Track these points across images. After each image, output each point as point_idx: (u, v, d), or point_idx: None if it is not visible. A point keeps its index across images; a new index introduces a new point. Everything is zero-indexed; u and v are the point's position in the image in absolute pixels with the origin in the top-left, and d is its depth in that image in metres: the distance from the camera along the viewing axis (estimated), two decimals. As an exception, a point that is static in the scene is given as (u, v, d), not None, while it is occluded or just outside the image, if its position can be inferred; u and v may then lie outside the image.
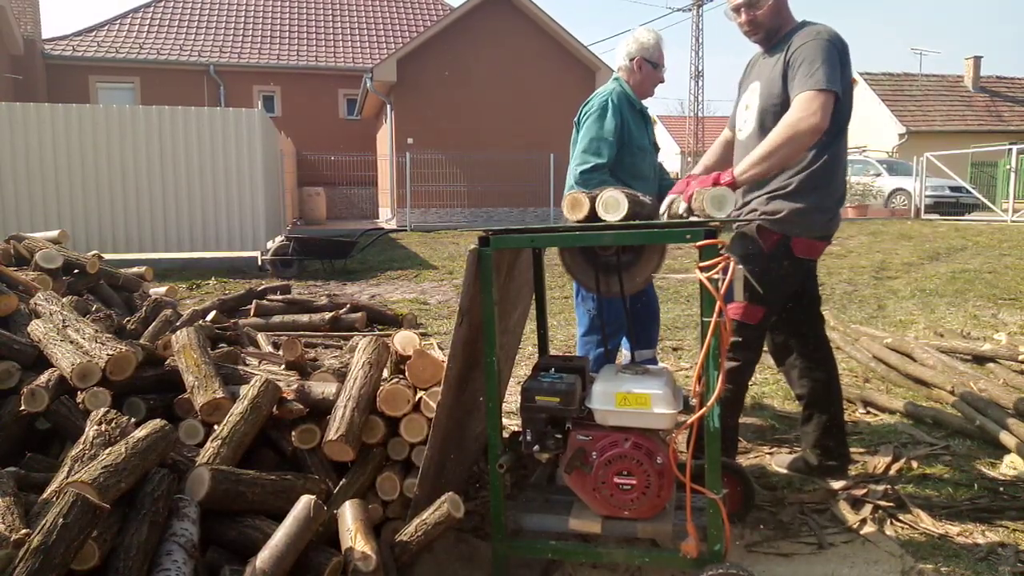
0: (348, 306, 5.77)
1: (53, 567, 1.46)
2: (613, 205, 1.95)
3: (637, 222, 1.96)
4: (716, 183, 2.29)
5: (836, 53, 2.39)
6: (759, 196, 2.55)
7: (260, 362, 2.96)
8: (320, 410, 2.32)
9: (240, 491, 1.94)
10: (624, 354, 3.50)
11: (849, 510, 2.58)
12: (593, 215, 2.00)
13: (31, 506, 1.75)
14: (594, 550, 2.08)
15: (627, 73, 3.31)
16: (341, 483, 2.21)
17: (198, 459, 2.07)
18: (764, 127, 2.49)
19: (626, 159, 3.18)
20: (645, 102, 3.37)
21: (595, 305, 3.19)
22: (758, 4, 2.48)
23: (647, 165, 3.30)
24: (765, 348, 2.81)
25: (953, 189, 17.98)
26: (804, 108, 2.32)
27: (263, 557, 1.69)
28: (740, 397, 2.71)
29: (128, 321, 3.46)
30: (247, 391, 2.25)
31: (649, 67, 3.29)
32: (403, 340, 2.54)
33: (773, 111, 2.48)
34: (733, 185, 2.32)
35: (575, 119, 3.34)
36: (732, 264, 1.80)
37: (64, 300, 3.04)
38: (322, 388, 2.39)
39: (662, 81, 3.35)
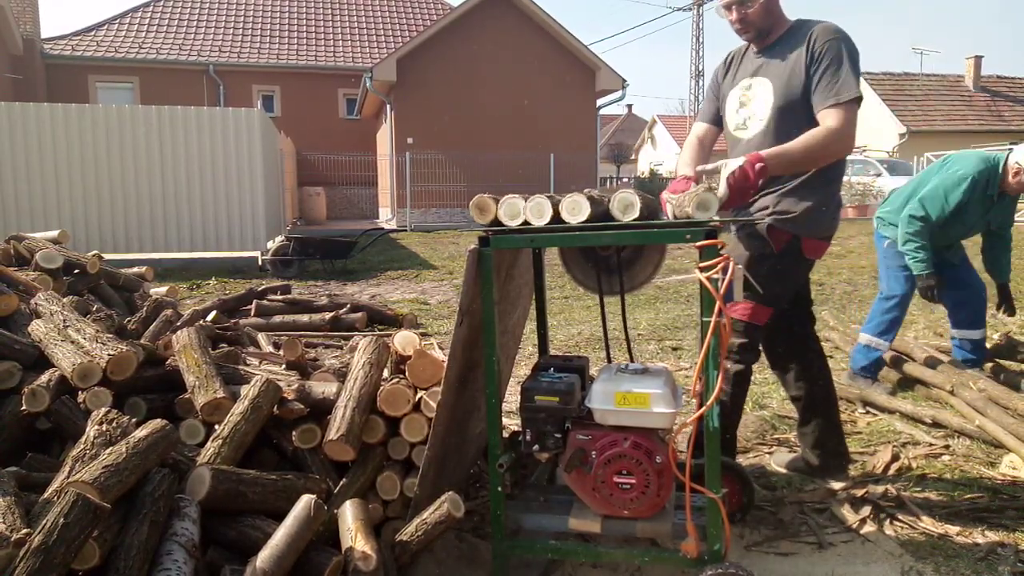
0: (348, 306, 5.78)
1: (54, 567, 1.46)
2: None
3: (637, 222, 1.96)
4: (753, 164, 2.20)
5: (857, 55, 2.41)
6: (769, 194, 2.52)
7: (260, 362, 2.96)
8: (321, 410, 2.32)
9: (241, 491, 1.95)
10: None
11: (849, 510, 2.58)
12: (498, 220, 1.98)
13: (32, 506, 1.75)
14: (594, 549, 2.09)
15: (1014, 171, 3.64)
16: (341, 483, 2.21)
17: (199, 459, 2.08)
18: (783, 123, 2.45)
19: (947, 226, 3.70)
20: None
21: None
22: (749, 2, 2.48)
23: (959, 233, 3.85)
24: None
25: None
26: (844, 123, 2.33)
27: (263, 557, 1.70)
28: (742, 401, 2.70)
29: (129, 321, 3.46)
30: (248, 391, 2.25)
31: None
32: (403, 340, 2.54)
33: (793, 107, 2.45)
34: (766, 170, 2.23)
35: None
36: (732, 264, 1.80)
37: (65, 300, 3.04)
38: (322, 388, 2.39)
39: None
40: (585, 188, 2.13)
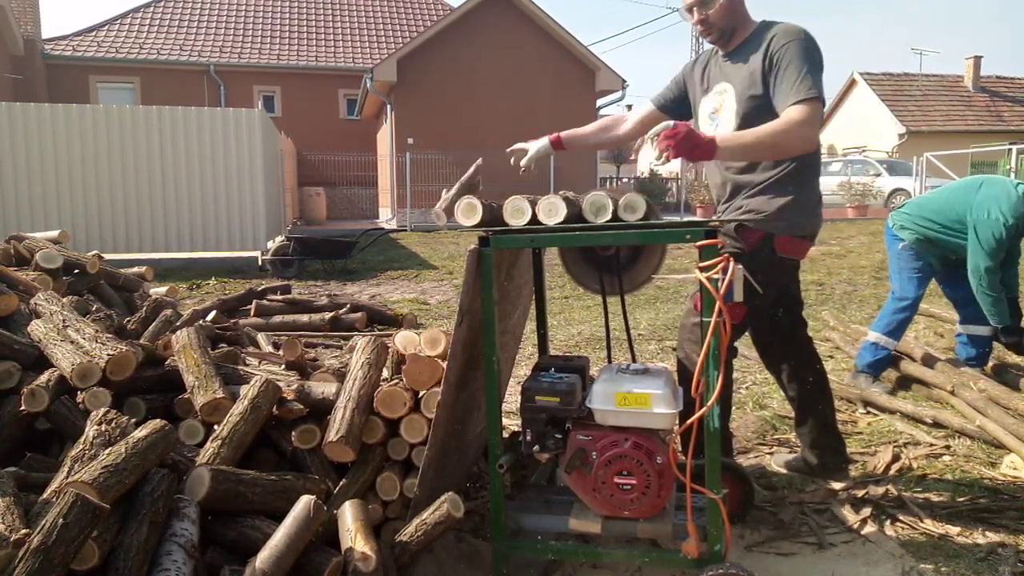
0: (348, 306, 5.77)
1: (53, 567, 1.46)
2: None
3: (636, 222, 1.96)
4: (703, 135, 2.14)
5: (819, 55, 2.36)
6: (743, 196, 2.49)
7: (260, 362, 2.96)
8: (320, 410, 2.32)
9: (240, 491, 1.94)
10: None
11: (849, 510, 2.58)
12: (484, 222, 1.98)
13: (31, 506, 1.75)
14: (594, 550, 2.09)
15: None
16: (341, 483, 2.21)
17: (198, 459, 2.07)
18: (746, 127, 2.39)
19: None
20: None
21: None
22: (709, 4, 2.46)
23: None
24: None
25: (953, 189, 17.94)
26: (806, 118, 2.26)
27: (263, 557, 1.69)
28: (728, 397, 2.72)
29: (128, 321, 3.46)
30: (247, 391, 2.25)
31: None
32: (404, 340, 2.54)
33: (755, 111, 2.39)
34: (714, 144, 2.15)
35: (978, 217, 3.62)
36: (732, 264, 1.80)
37: (64, 300, 3.04)
38: (322, 388, 2.39)
39: None
40: (562, 191, 2.11)
